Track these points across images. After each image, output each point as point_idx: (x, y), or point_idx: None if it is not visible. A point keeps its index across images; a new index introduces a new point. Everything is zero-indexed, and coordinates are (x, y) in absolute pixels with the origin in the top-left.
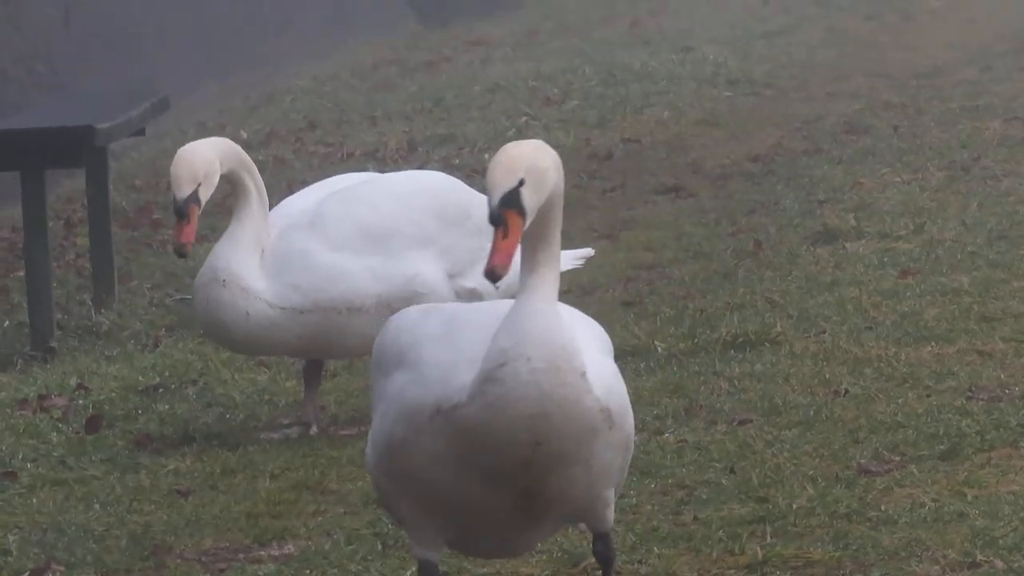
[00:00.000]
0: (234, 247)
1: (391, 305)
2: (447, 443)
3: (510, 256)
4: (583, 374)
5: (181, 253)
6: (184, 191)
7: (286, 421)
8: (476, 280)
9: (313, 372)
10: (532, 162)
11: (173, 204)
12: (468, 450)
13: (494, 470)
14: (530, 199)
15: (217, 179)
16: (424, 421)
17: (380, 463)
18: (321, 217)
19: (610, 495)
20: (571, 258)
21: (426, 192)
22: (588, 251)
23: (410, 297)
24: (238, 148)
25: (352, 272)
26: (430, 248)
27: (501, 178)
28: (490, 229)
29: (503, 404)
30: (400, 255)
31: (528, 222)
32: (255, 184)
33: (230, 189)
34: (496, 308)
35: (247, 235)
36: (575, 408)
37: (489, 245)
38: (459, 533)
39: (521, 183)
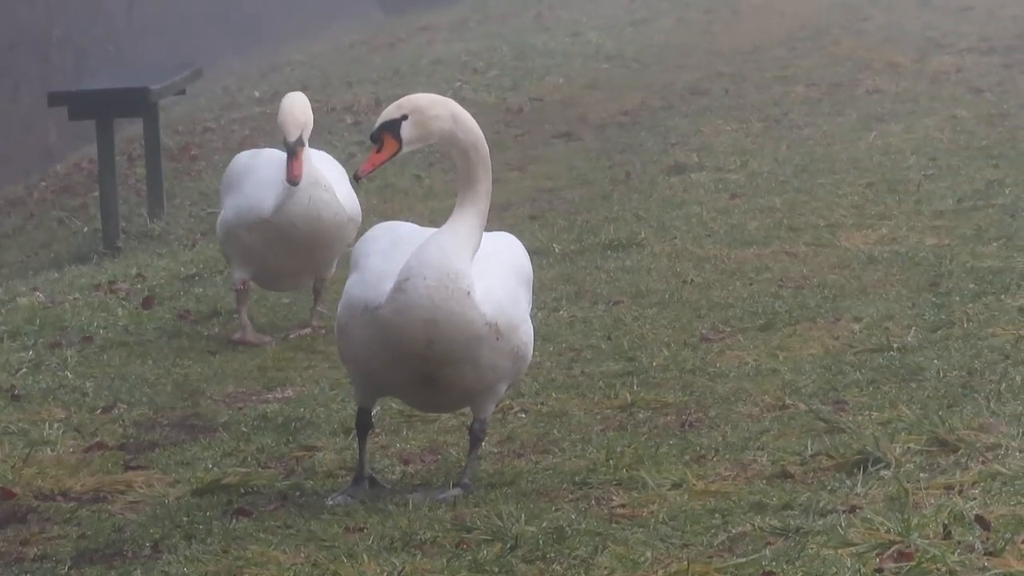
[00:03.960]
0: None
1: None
2: (371, 334)
3: (375, 167)
4: (468, 293)
5: (294, 184)
6: (293, 135)
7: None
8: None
9: (244, 297)
10: (420, 107)
11: (286, 145)
12: (382, 341)
13: (401, 358)
14: (409, 132)
15: (311, 124)
16: (358, 314)
17: (336, 336)
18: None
19: (500, 389)
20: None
21: None
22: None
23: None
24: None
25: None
26: None
27: (390, 111)
28: None
29: (405, 309)
30: None
31: (404, 150)
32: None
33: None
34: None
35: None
36: (459, 319)
37: None
38: (391, 394)
39: (404, 118)
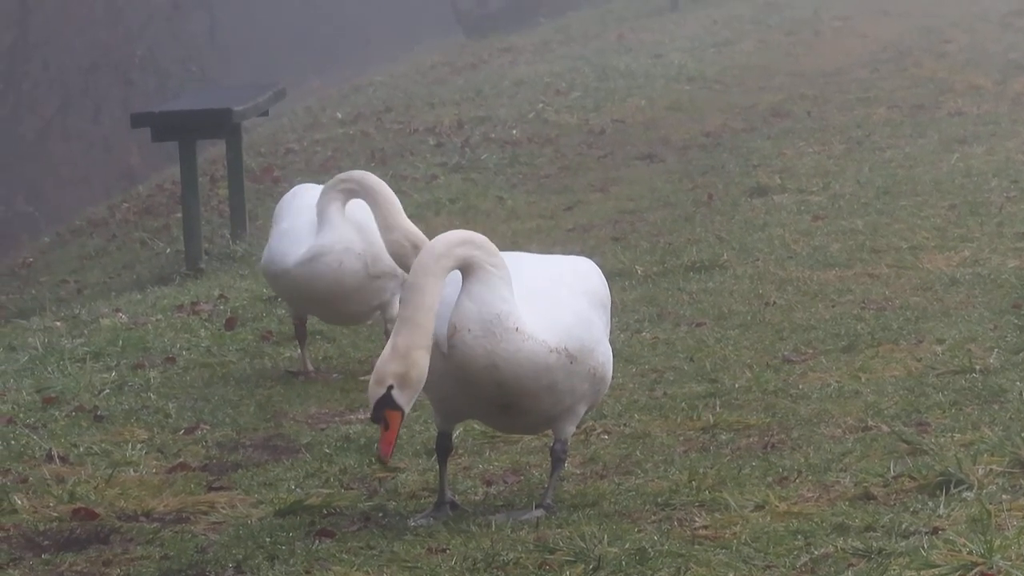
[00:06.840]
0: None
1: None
2: (445, 368)
3: (392, 444)
4: (516, 329)
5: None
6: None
7: (293, 369)
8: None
9: (303, 333)
10: (395, 371)
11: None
12: (455, 380)
13: (476, 393)
14: (401, 396)
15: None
16: (435, 351)
17: None
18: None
19: (580, 410)
20: None
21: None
22: None
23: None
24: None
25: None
26: None
27: (373, 389)
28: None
29: (464, 360)
30: None
31: (407, 411)
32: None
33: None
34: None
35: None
36: (518, 355)
37: None
38: (470, 418)
39: (391, 388)
